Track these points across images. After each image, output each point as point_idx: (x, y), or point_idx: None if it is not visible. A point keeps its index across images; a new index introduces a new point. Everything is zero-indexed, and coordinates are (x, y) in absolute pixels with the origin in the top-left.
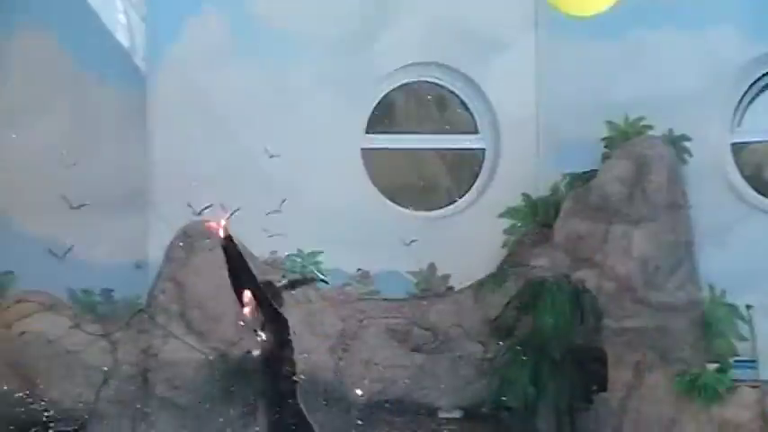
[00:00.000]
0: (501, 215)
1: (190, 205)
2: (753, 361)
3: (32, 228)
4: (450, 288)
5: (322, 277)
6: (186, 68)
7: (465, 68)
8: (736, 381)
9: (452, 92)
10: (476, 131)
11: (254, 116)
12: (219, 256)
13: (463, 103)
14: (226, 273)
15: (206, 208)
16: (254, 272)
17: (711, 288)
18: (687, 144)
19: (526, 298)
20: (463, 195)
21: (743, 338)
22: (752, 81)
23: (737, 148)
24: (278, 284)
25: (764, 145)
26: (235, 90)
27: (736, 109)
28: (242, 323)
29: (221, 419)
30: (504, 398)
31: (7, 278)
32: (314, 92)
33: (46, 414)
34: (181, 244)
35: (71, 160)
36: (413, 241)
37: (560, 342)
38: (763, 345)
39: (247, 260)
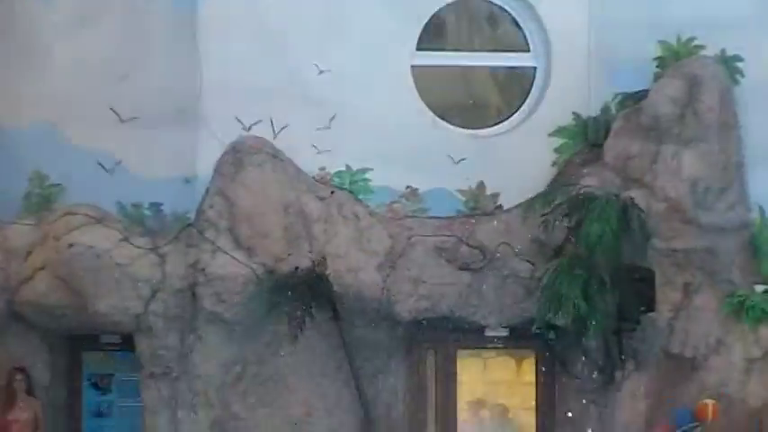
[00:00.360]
0: (551, 134)
1: (239, 120)
2: None
3: (82, 141)
4: (499, 207)
5: None
6: None
7: None
8: None
9: (504, 9)
10: (527, 50)
11: (304, 32)
12: (268, 171)
13: (515, 21)
14: (275, 188)
15: (255, 123)
16: None
17: (761, 209)
18: (739, 64)
19: (574, 211)
20: (513, 114)
21: None
22: None
23: None
24: None
25: None
26: (286, 6)
27: None
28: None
29: (269, 334)
30: (551, 316)
31: (56, 190)
32: (365, 8)
33: (94, 326)
34: (230, 159)
35: (122, 74)
36: (462, 159)
37: (608, 261)
38: None
39: None
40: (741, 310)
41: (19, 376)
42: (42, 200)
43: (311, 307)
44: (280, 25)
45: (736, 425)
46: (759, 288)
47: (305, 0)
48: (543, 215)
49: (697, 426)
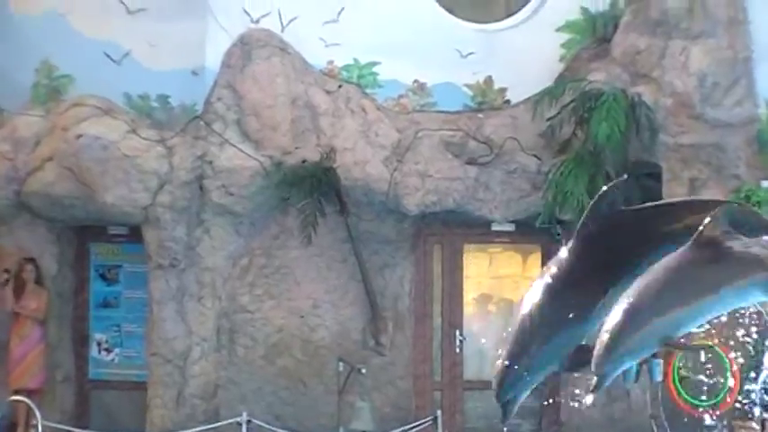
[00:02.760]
0: (559, 29)
1: (247, 13)
2: None
3: (90, 32)
4: (507, 101)
5: None
6: None
7: None
8: None
9: None
10: None
11: None
12: (276, 64)
13: None
14: (283, 80)
15: (263, 16)
16: None
17: None
18: None
19: (581, 107)
20: (522, 8)
21: None
22: None
23: None
24: None
25: None
26: None
27: None
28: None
29: (276, 227)
30: (557, 212)
31: (65, 81)
32: None
33: (102, 217)
34: (238, 52)
35: None
36: (470, 53)
37: (615, 155)
38: None
39: None
40: (751, 200)
41: (29, 266)
42: (51, 90)
43: (320, 202)
44: None
45: (739, 319)
46: (765, 183)
47: None
48: (550, 117)
49: None
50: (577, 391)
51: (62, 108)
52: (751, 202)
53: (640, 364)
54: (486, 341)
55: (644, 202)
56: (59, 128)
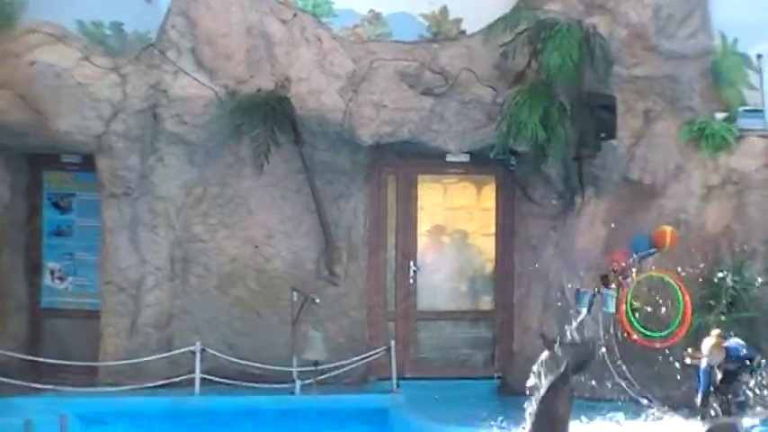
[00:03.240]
0: None
1: None
2: (761, 110)
3: None
4: (463, 32)
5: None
6: None
7: None
8: (743, 130)
9: None
10: None
11: None
12: None
13: None
14: (238, 9)
15: None
16: None
17: (723, 37)
18: None
19: (536, 37)
20: None
21: (753, 87)
22: None
23: None
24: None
25: None
26: None
27: None
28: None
29: (230, 156)
30: (511, 143)
31: (17, 7)
32: None
33: (55, 146)
34: None
35: None
36: None
37: (570, 86)
38: None
39: None
40: (701, 137)
41: None
42: (2, 17)
43: (274, 131)
44: None
45: (693, 251)
46: (719, 116)
47: None
48: (504, 43)
49: (654, 252)
50: (530, 325)
51: (14, 34)
52: (705, 135)
53: (594, 296)
54: (439, 272)
55: (599, 135)
56: (11, 55)
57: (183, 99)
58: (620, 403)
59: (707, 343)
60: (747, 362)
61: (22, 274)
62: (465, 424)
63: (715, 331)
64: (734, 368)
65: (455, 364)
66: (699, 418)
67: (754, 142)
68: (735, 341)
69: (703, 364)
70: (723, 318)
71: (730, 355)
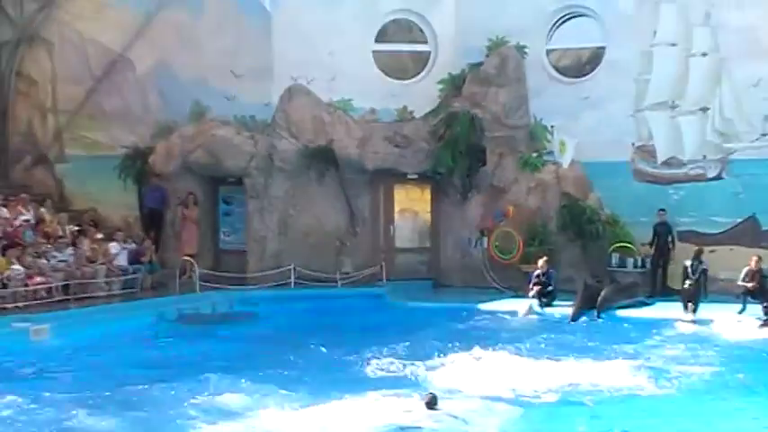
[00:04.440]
0: (439, 82)
1: (292, 77)
2: (552, 152)
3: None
4: (413, 116)
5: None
6: None
7: None
8: (545, 161)
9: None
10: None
11: None
12: (305, 101)
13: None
14: (308, 107)
15: (298, 77)
16: None
17: (535, 117)
18: None
19: (448, 119)
20: (420, 72)
21: (549, 141)
22: None
23: None
24: None
25: None
26: None
27: None
28: None
29: (305, 177)
30: (438, 168)
31: (205, 108)
32: None
33: (224, 173)
34: (287, 94)
35: None
36: (394, 95)
37: (464, 141)
38: None
39: None
40: (525, 164)
41: (191, 197)
42: (200, 113)
43: (325, 165)
44: None
45: (523, 219)
46: (534, 154)
47: None
48: (434, 123)
49: (504, 219)
50: (447, 254)
51: (204, 121)
52: (528, 160)
53: (477, 239)
54: (404, 230)
55: (478, 163)
56: (203, 131)
57: (283, 151)
58: (489, 289)
59: (540, 263)
60: (552, 272)
61: (209, 234)
62: (418, 299)
63: (543, 258)
64: (546, 280)
65: (412, 273)
66: (530, 295)
67: (550, 167)
68: (551, 269)
69: (535, 272)
70: (537, 249)
71: (549, 270)
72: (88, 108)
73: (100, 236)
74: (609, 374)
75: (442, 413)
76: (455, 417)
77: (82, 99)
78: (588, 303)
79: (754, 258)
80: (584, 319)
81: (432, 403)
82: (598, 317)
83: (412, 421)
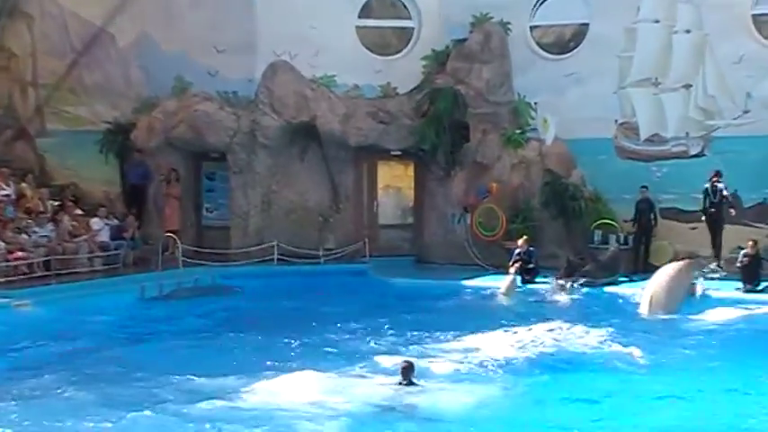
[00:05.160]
0: (423, 58)
1: (274, 52)
2: (535, 129)
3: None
4: (397, 93)
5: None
6: None
7: None
8: (528, 138)
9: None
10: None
11: None
12: (289, 76)
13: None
14: (291, 83)
15: (281, 54)
16: None
17: (519, 93)
18: None
19: (432, 95)
20: (405, 48)
21: (532, 118)
22: None
23: None
24: None
25: None
26: None
27: None
28: None
29: (288, 154)
30: (421, 144)
31: (187, 84)
32: None
33: (206, 149)
34: (270, 70)
35: None
36: (379, 71)
37: (448, 118)
38: None
39: None
40: (509, 141)
41: (173, 173)
42: (182, 88)
43: (308, 142)
44: None
45: (506, 196)
46: (517, 131)
47: None
48: (418, 98)
49: (487, 195)
50: (431, 231)
51: (187, 96)
52: (510, 138)
53: (460, 216)
54: (388, 206)
55: (461, 140)
56: (185, 106)
57: (266, 127)
58: (472, 266)
59: (520, 242)
60: (532, 250)
61: (192, 210)
62: (401, 276)
63: (523, 238)
64: (527, 257)
65: (396, 249)
66: (511, 272)
67: (534, 144)
68: (531, 248)
69: (516, 249)
70: (520, 226)
71: (529, 249)
72: (69, 82)
73: (79, 212)
74: (588, 346)
75: (420, 389)
76: (433, 392)
77: (63, 73)
78: (571, 277)
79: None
80: (567, 288)
81: (408, 370)
82: (577, 285)
83: (390, 397)
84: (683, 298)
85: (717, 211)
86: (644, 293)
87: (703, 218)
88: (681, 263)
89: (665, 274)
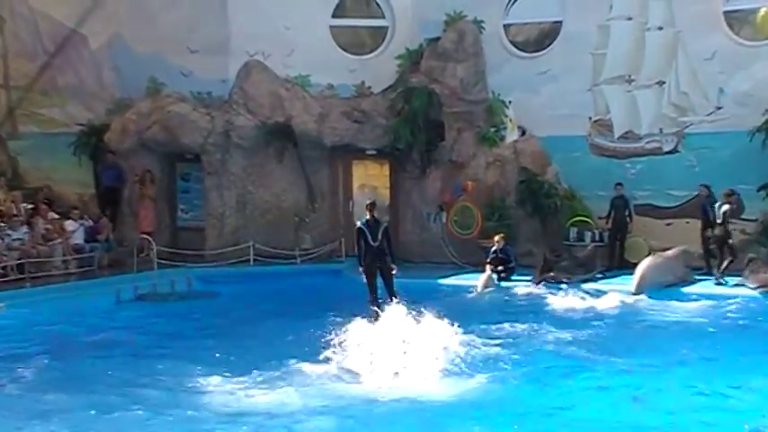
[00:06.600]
0: (397, 57)
1: (247, 52)
2: (508, 127)
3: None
4: (371, 92)
5: None
6: None
7: None
8: (502, 137)
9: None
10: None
11: None
12: (263, 77)
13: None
14: (265, 82)
15: (254, 54)
16: None
17: (493, 92)
18: None
19: (407, 94)
20: (378, 47)
21: (506, 116)
22: None
23: None
24: None
25: None
26: None
27: None
28: None
29: (263, 154)
30: (396, 143)
31: (160, 84)
32: None
33: (181, 150)
34: (244, 70)
35: None
36: (353, 70)
37: (422, 117)
38: None
39: None
40: (484, 140)
41: (148, 174)
42: (155, 89)
43: (284, 142)
44: None
45: (482, 194)
46: (492, 129)
47: None
48: (392, 97)
49: (462, 194)
50: (406, 228)
51: (160, 97)
52: (486, 136)
53: (436, 215)
54: (362, 205)
55: (437, 138)
56: (159, 107)
57: (240, 127)
58: (448, 265)
59: (496, 239)
60: (508, 248)
61: (167, 211)
62: None
63: (499, 235)
64: (503, 255)
65: None
66: (488, 271)
67: (507, 143)
68: (507, 245)
69: (493, 247)
70: (495, 224)
71: (506, 247)
72: (42, 84)
73: (54, 215)
74: (564, 342)
75: (396, 388)
76: (409, 390)
77: (35, 75)
78: (547, 274)
79: None
80: (542, 285)
81: (373, 205)
82: (553, 282)
83: (366, 394)
84: (671, 282)
85: (723, 234)
86: (635, 275)
87: (710, 239)
88: (674, 250)
89: (657, 256)
